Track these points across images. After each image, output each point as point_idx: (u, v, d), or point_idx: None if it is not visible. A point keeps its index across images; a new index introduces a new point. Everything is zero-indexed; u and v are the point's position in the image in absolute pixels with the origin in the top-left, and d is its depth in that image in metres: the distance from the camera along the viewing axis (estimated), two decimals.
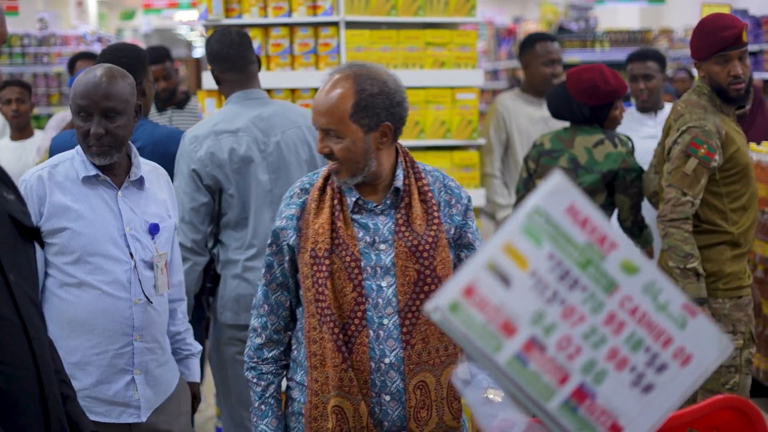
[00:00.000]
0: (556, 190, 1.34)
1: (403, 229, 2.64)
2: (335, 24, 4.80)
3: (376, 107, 2.59)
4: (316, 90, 4.76)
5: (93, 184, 3.00)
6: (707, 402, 1.73)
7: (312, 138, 3.93)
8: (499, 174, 5.49)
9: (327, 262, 2.61)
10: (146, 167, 3.11)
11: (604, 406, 1.35)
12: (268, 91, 4.85)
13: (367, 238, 2.65)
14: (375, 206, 2.67)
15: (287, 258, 2.72)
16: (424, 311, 1.31)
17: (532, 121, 5.48)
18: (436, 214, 2.66)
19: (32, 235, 1.90)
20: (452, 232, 2.71)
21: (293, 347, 2.78)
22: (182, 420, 3.23)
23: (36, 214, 2.94)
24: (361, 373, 2.61)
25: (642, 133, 5.29)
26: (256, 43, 4.86)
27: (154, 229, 3.05)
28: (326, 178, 2.71)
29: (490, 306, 1.30)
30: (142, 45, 19.71)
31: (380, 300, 2.62)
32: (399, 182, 2.67)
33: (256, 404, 2.78)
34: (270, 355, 2.79)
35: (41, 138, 6.41)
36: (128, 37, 22.90)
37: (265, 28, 4.86)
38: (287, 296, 2.74)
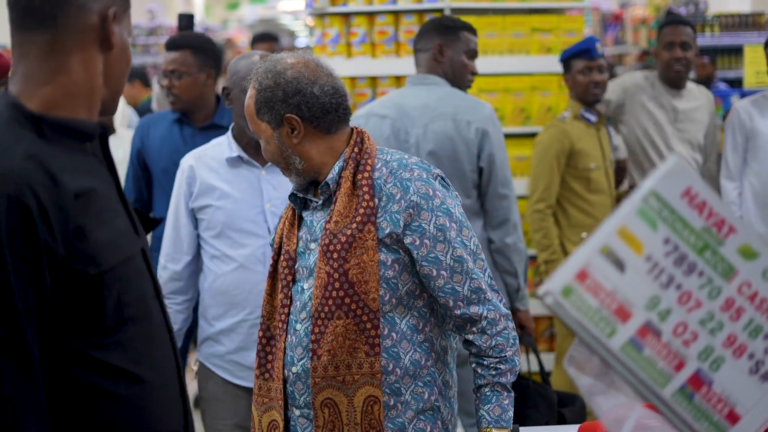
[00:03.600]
0: (672, 172, 1.31)
1: (327, 227, 2.46)
2: (441, 11, 4.79)
3: (271, 101, 2.46)
4: None
5: (237, 164, 3.25)
6: None
7: (457, 133, 3.77)
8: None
9: (270, 262, 2.57)
10: None
11: (720, 394, 1.33)
12: (373, 78, 4.88)
13: (304, 237, 2.52)
14: (318, 202, 2.52)
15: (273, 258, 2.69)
16: (537, 294, 1.30)
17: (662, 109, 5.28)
18: (362, 211, 2.43)
19: (150, 226, 1.93)
20: (387, 231, 2.42)
21: None
22: None
23: (187, 194, 3.26)
24: (278, 382, 2.49)
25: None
26: (361, 31, 4.88)
27: None
28: None
29: (604, 291, 1.28)
30: (248, 34, 19.97)
31: (298, 303, 2.48)
32: (330, 176, 2.47)
33: None
34: None
35: None
36: (233, 27, 23.21)
37: (370, 15, 4.88)
38: None
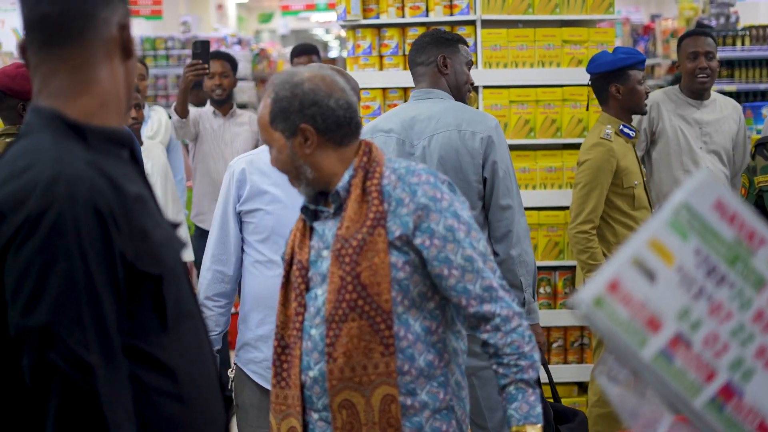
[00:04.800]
0: (702, 185, 1.32)
1: (338, 233, 2.51)
2: (472, 23, 4.81)
3: (287, 111, 2.50)
4: None
5: None
6: None
7: (462, 143, 3.75)
8: None
9: (284, 272, 2.59)
10: None
11: (751, 405, 1.33)
12: (405, 90, 4.90)
13: (316, 246, 2.56)
14: (327, 212, 2.57)
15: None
16: (568, 305, 1.31)
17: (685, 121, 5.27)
18: (371, 215, 2.48)
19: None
20: (397, 233, 2.48)
21: None
22: None
23: (235, 197, 3.27)
24: (296, 389, 2.52)
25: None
26: (393, 43, 4.90)
27: None
28: None
29: (635, 301, 1.29)
30: (280, 47, 20.06)
31: (312, 308, 2.52)
32: (340, 185, 2.53)
33: None
34: None
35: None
36: (266, 39, 23.33)
37: (402, 27, 4.91)
38: None
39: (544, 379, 3.98)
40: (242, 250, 3.32)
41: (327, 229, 2.54)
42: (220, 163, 6.12)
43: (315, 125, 2.50)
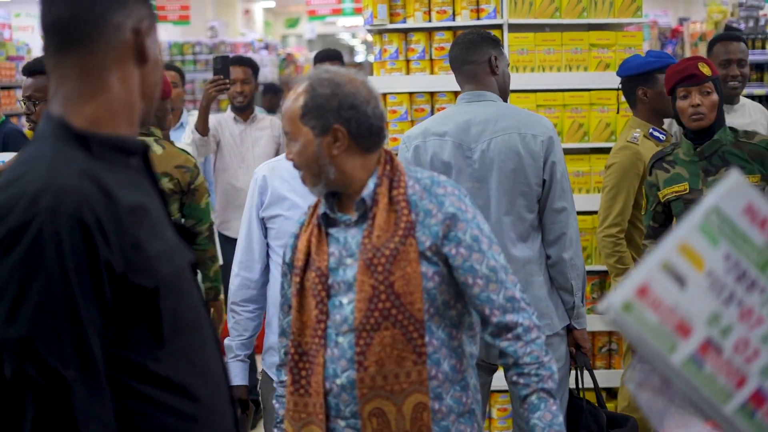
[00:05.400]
0: (733, 189, 1.31)
1: (366, 241, 2.50)
2: (499, 27, 4.80)
3: (323, 108, 2.48)
4: None
5: None
6: None
7: (524, 146, 3.69)
8: None
9: (297, 279, 2.56)
10: None
11: None
12: (432, 94, 4.90)
13: (336, 253, 2.54)
14: (349, 219, 2.55)
15: (288, 277, 2.68)
16: (597, 310, 1.30)
17: None
18: (402, 225, 2.48)
19: (188, 238, 1.94)
20: (427, 243, 2.49)
21: None
22: None
23: (258, 203, 3.32)
24: (318, 396, 2.50)
25: None
26: (419, 47, 4.90)
27: None
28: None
29: (665, 306, 1.28)
30: (307, 51, 20.10)
31: (338, 316, 2.50)
32: (366, 192, 2.52)
33: (274, 430, 2.78)
34: (285, 378, 2.71)
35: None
36: (292, 44, 23.39)
37: (429, 32, 4.91)
38: None
39: (588, 383, 3.98)
40: (268, 256, 3.33)
41: (350, 236, 2.54)
42: (241, 168, 6.13)
43: (348, 128, 2.49)
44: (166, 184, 4.27)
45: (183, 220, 4.37)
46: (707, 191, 3.93)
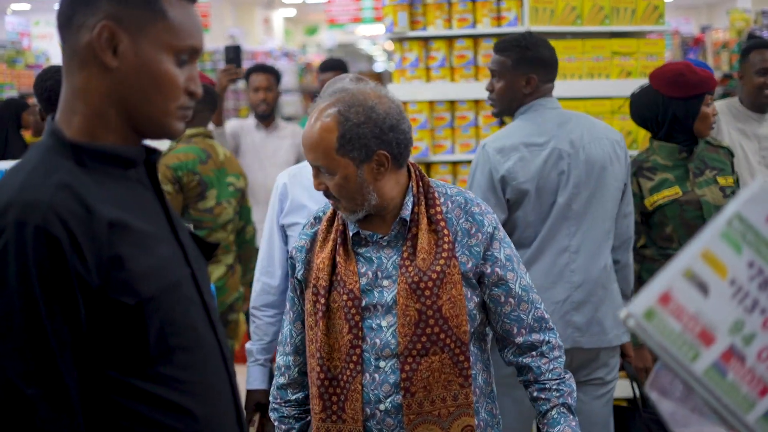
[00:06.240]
0: (757, 196, 1.30)
1: (407, 263, 2.40)
2: None
3: (363, 137, 2.35)
4: None
5: None
6: None
7: (613, 151, 3.66)
8: None
9: (323, 300, 2.43)
10: None
11: None
12: (452, 102, 4.89)
13: (370, 274, 2.43)
14: (381, 238, 2.44)
15: (298, 292, 2.58)
16: (620, 318, 1.30)
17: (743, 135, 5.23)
18: (446, 246, 2.41)
19: (208, 252, 1.87)
20: (469, 265, 2.44)
21: None
22: None
23: (278, 210, 3.30)
24: (355, 422, 2.40)
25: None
26: (440, 55, 4.90)
27: None
28: (336, 209, 2.50)
29: (687, 314, 1.27)
30: (323, 58, 20.13)
31: (378, 341, 2.40)
32: (406, 212, 2.42)
33: None
34: (294, 397, 2.63)
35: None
36: (312, 53, 23.45)
37: (450, 39, 4.91)
38: None
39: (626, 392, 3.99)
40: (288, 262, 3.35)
41: (384, 257, 2.45)
42: (261, 176, 6.14)
43: (391, 150, 2.39)
44: (242, 182, 4.47)
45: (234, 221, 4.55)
46: (699, 192, 4.02)
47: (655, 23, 4.88)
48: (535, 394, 2.52)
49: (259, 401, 3.39)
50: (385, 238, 2.45)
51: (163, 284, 1.68)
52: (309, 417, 2.61)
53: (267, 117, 6.33)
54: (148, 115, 1.70)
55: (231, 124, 6.02)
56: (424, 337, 2.37)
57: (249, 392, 3.39)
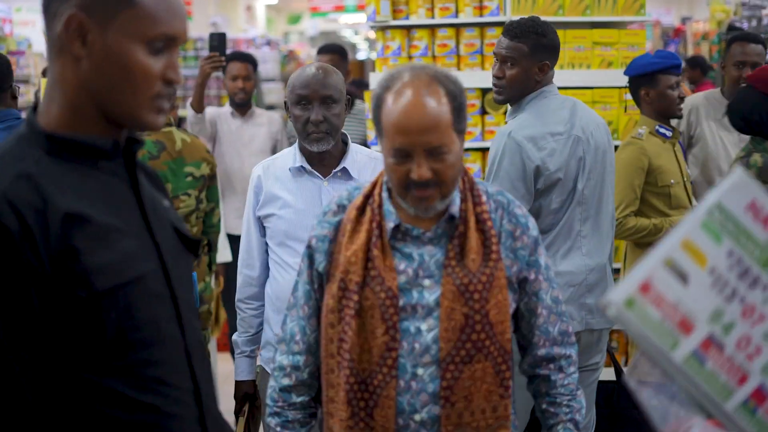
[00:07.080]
0: (736, 185, 1.31)
1: (453, 263, 2.22)
2: (501, 24, 4.78)
3: (464, 110, 2.22)
4: (482, 90, 4.78)
5: (300, 174, 3.26)
6: None
7: (607, 138, 3.71)
8: None
9: (356, 297, 2.23)
10: (361, 157, 3.28)
11: None
12: None
13: (410, 271, 2.24)
14: (423, 233, 2.26)
15: (316, 285, 2.35)
16: (600, 306, 1.30)
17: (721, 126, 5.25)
18: (494, 248, 2.25)
19: (192, 247, 1.85)
20: (514, 269, 2.29)
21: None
22: None
23: (254, 202, 3.30)
24: (386, 431, 2.23)
25: None
26: (422, 44, 4.90)
27: None
28: (367, 196, 2.31)
29: (667, 303, 1.28)
30: (309, 48, 20.09)
31: (417, 345, 2.22)
32: (455, 207, 2.25)
33: None
34: (299, 400, 2.41)
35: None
36: (294, 41, 23.38)
37: (432, 28, 4.90)
38: None
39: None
40: (267, 253, 3.36)
41: (426, 254, 2.26)
42: (237, 163, 6.13)
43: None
44: (204, 169, 4.38)
45: (201, 205, 4.46)
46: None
47: (635, 14, 4.89)
48: (544, 406, 2.44)
49: (247, 392, 3.40)
50: (427, 234, 2.27)
51: (123, 279, 1.64)
52: (314, 422, 2.46)
53: (244, 105, 6.32)
54: (120, 106, 1.67)
55: (208, 111, 6.00)
56: (469, 343, 2.21)
57: (237, 383, 3.40)
